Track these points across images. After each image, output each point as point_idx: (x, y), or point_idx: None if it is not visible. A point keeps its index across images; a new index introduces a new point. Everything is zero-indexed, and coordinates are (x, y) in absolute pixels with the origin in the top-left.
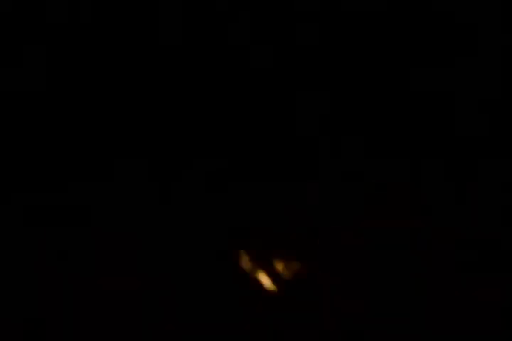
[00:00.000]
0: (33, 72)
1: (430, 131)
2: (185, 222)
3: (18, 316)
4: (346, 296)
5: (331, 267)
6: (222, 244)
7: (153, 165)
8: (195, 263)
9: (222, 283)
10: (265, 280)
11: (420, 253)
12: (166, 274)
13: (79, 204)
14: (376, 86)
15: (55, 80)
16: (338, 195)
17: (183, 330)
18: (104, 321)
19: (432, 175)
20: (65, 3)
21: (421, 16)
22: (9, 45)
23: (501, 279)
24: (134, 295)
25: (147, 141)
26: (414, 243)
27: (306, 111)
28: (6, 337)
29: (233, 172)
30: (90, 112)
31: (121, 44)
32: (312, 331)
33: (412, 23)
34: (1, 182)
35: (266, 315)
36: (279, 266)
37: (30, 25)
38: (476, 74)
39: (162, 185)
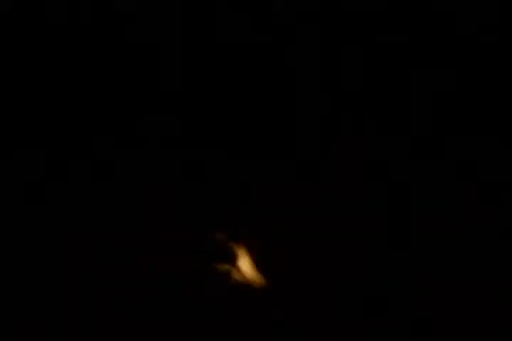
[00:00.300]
0: (34, 71)
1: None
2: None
3: None
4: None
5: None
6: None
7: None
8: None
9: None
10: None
11: None
12: None
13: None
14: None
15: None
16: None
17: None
18: None
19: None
20: (65, 3)
21: (421, 16)
22: (9, 45)
23: None
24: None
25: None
26: None
27: (306, 110)
28: None
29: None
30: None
31: (120, 44)
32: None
33: (412, 23)
34: None
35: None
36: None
37: (30, 25)
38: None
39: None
